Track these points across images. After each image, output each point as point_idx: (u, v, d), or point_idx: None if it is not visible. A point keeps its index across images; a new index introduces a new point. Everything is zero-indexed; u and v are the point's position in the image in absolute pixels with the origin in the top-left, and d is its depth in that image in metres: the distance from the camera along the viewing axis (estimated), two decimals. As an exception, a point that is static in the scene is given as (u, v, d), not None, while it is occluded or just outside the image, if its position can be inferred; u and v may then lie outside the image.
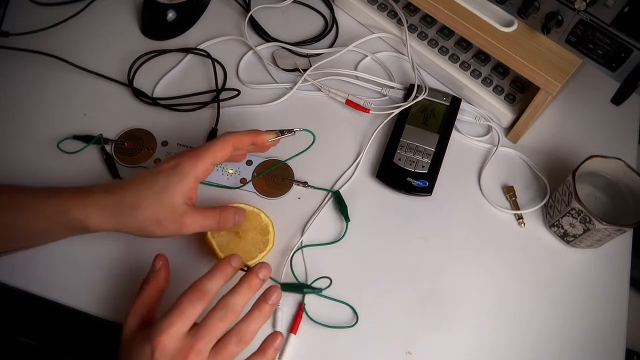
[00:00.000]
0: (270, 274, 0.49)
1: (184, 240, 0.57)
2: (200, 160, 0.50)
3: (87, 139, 0.62)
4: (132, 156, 0.62)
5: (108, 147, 0.62)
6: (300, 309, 0.54)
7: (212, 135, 0.64)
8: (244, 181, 0.61)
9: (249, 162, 0.63)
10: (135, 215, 0.48)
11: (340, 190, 0.62)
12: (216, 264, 0.47)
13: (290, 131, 0.57)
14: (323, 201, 0.61)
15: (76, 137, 0.62)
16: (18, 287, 0.54)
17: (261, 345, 0.48)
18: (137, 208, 0.48)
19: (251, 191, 0.61)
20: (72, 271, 0.55)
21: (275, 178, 0.62)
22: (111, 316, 0.53)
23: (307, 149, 0.62)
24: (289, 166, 0.63)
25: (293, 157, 0.63)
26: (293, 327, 0.53)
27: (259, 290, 0.48)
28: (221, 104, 0.67)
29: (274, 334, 0.48)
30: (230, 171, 0.62)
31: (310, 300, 0.55)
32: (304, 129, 0.60)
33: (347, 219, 0.60)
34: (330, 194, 0.62)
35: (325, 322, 0.54)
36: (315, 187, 0.62)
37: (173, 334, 0.43)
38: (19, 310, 0.67)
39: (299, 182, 0.62)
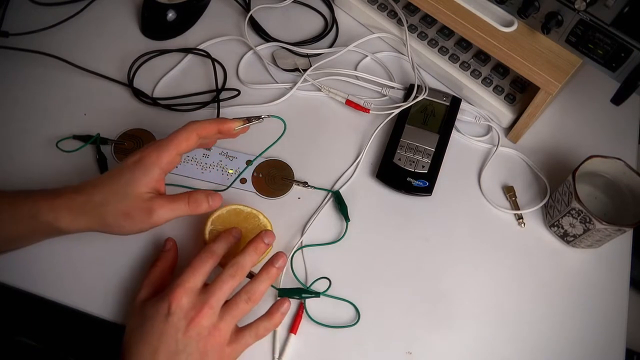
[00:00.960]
0: (274, 240, 0.53)
1: (182, 242, 0.57)
2: (164, 151, 0.50)
3: (86, 138, 0.62)
4: None
5: (108, 147, 0.62)
6: (301, 309, 0.54)
7: None
8: (244, 181, 0.62)
9: (249, 162, 0.63)
10: (104, 212, 0.48)
11: (340, 190, 0.62)
12: (220, 233, 0.53)
13: (257, 118, 0.56)
14: (323, 201, 0.61)
15: (76, 137, 0.62)
16: (18, 287, 0.54)
17: (269, 309, 0.51)
18: (105, 205, 0.48)
19: (251, 191, 0.61)
20: (73, 271, 0.55)
21: (275, 178, 0.62)
22: (112, 317, 0.53)
23: (279, 137, 0.62)
24: (288, 166, 0.63)
25: (268, 148, 0.62)
26: (293, 327, 0.53)
27: (264, 255, 0.53)
28: (221, 104, 0.67)
29: (282, 299, 0.51)
30: (230, 171, 0.62)
31: (310, 300, 0.55)
32: (272, 116, 0.59)
33: (347, 219, 0.60)
34: (330, 194, 0.62)
35: (326, 322, 0.54)
36: (315, 187, 0.62)
37: (187, 288, 0.47)
38: (19, 310, 0.67)
39: (299, 182, 0.62)
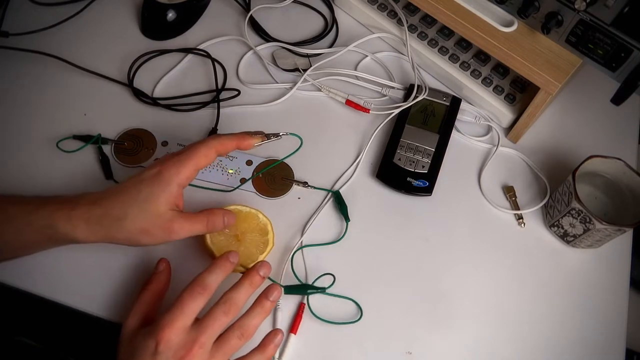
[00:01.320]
0: (270, 272, 0.51)
1: (182, 243, 0.57)
2: (183, 167, 0.50)
3: (86, 138, 0.62)
4: (132, 156, 0.62)
5: (108, 147, 0.62)
6: (301, 309, 0.54)
7: (213, 133, 0.64)
8: (243, 181, 0.62)
9: (249, 162, 0.63)
10: (122, 227, 0.48)
11: (340, 190, 0.62)
12: (215, 260, 0.49)
13: (276, 135, 0.56)
14: (323, 201, 0.61)
15: (76, 137, 0.62)
16: (18, 287, 0.54)
17: (262, 341, 0.49)
18: (123, 219, 0.48)
19: (251, 191, 0.61)
20: (73, 271, 0.55)
21: (275, 178, 0.62)
22: (111, 316, 0.53)
23: (296, 150, 0.62)
24: (288, 166, 0.63)
25: (286, 157, 0.62)
26: (293, 327, 0.53)
27: (259, 287, 0.50)
28: (221, 104, 0.67)
29: (275, 331, 0.50)
30: (230, 171, 0.62)
31: (313, 298, 0.55)
32: (290, 133, 0.59)
33: (347, 218, 0.60)
34: (330, 193, 0.62)
35: (328, 319, 0.54)
36: (315, 187, 0.62)
37: (176, 327, 0.44)
38: (19, 311, 0.67)
39: (299, 182, 0.62)
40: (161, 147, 0.63)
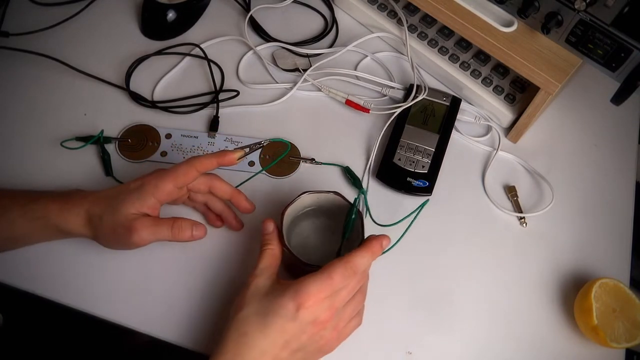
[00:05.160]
0: (389, 244, 0.49)
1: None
2: (162, 182, 0.51)
3: (88, 139, 0.62)
4: (138, 152, 0.63)
5: (112, 145, 0.63)
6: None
7: (214, 122, 0.65)
8: (252, 164, 0.63)
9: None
10: (99, 226, 0.50)
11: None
12: (366, 242, 0.48)
13: (258, 144, 0.57)
14: (334, 177, 0.63)
15: (78, 139, 0.62)
16: (18, 287, 0.54)
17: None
18: (100, 219, 0.50)
19: (261, 173, 0.62)
20: (73, 271, 0.55)
21: (282, 158, 0.63)
22: (113, 317, 0.53)
23: (283, 155, 0.63)
24: (294, 145, 0.64)
25: (270, 165, 0.62)
26: (293, 327, 0.53)
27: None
28: (221, 104, 0.67)
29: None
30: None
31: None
32: (272, 140, 0.60)
33: (362, 191, 0.61)
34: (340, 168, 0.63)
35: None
36: (322, 163, 0.63)
37: (321, 299, 0.44)
38: (20, 311, 0.67)
39: (306, 160, 0.63)
40: (165, 139, 0.64)
